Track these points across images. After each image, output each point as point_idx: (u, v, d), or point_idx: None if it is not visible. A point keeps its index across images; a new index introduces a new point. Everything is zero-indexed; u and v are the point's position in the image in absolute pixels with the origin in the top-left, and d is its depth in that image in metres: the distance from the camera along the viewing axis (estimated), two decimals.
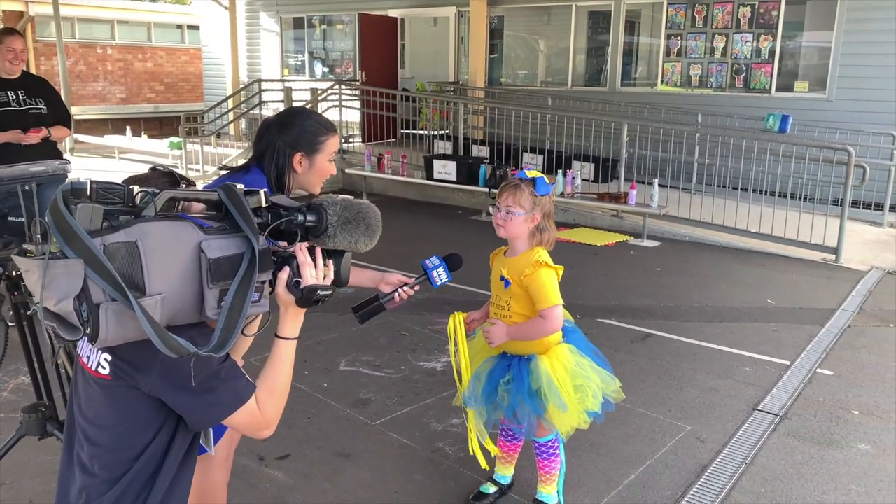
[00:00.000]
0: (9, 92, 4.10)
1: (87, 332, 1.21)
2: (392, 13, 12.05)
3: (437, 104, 10.49)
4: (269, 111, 11.63)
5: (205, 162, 10.35)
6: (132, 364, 1.36)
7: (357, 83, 11.14)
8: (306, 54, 13.51)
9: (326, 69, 13.33)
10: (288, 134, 2.03)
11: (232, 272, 1.34)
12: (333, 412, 3.39)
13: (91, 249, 1.18)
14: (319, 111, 9.90)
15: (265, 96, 11.20)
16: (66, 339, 1.24)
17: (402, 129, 10.90)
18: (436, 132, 10.26)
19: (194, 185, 1.49)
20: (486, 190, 7.82)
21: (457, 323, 2.43)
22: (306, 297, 1.47)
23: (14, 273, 1.58)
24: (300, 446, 3.08)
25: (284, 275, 1.46)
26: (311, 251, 1.50)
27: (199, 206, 1.42)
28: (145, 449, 1.39)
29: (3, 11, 14.86)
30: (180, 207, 1.38)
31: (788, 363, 4.03)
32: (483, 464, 2.52)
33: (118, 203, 1.26)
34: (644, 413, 3.43)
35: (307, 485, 2.81)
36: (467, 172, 7.94)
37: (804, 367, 3.98)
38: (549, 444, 2.50)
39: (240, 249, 1.36)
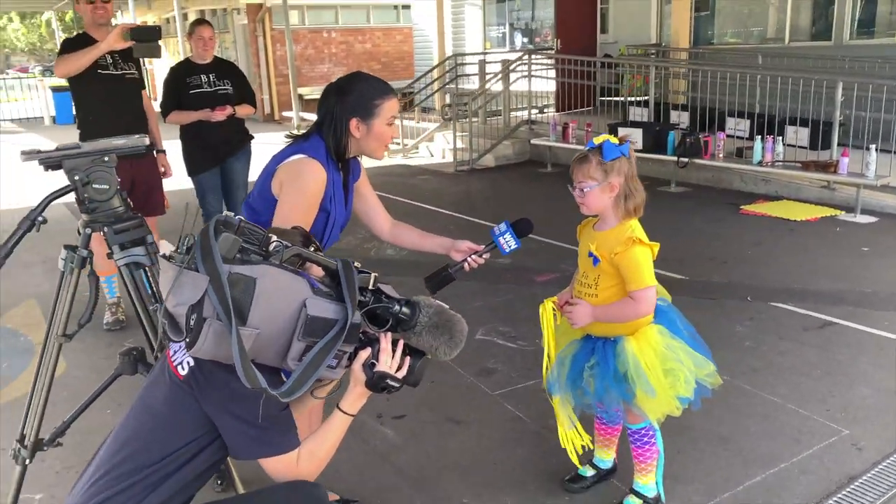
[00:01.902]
0: (201, 75, 4.63)
1: (187, 338, 1.39)
2: None
3: (634, 69, 9.96)
4: (468, 84, 11.90)
5: (404, 136, 10.87)
6: (207, 378, 1.52)
7: (551, 52, 10.94)
8: (507, 26, 13.55)
9: (526, 39, 13.27)
10: (345, 100, 2.06)
11: (322, 333, 1.48)
12: (457, 378, 3.44)
13: (219, 272, 1.37)
14: (509, 82, 9.92)
15: (461, 70, 11.44)
16: (170, 338, 1.43)
17: (599, 96, 10.52)
18: (635, 98, 9.76)
19: (321, 251, 1.66)
20: (676, 158, 7.34)
21: (546, 309, 2.33)
22: (375, 381, 1.59)
23: (103, 231, 1.81)
24: (417, 408, 3.18)
25: (365, 354, 1.59)
26: (395, 344, 1.62)
27: (319, 271, 1.59)
28: (172, 453, 1.53)
29: (247, 5, 16.76)
30: (304, 266, 1.57)
31: None
32: (574, 459, 2.42)
33: (254, 244, 1.47)
34: (794, 410, 3.03)
35: (414, 446, 2.89)
36: (654, 140, 7.48)
37: None
38: (643, 431, 2.32)
39: (336, 316, 1.50)
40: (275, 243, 1.50)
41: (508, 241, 2.12)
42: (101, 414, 3.01)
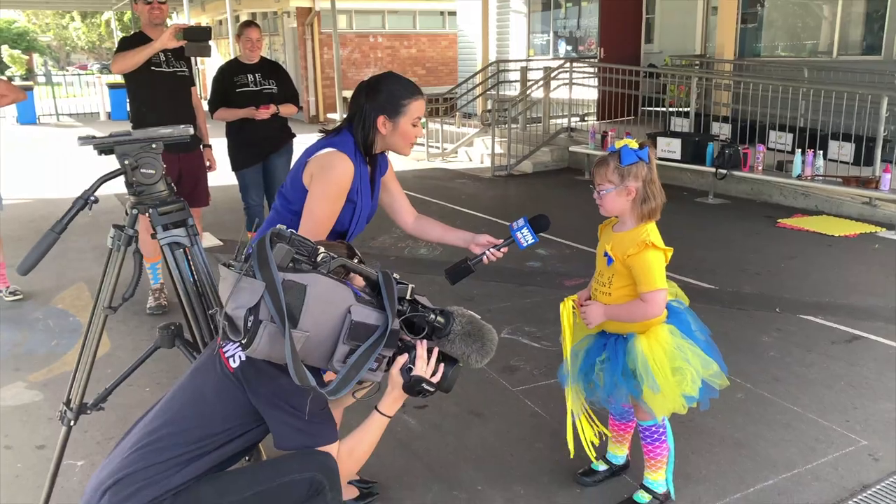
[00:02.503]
0: (248, 74, 4.82)
1: (244, 339, 1.54)
2: None
3: (678, 79, 9.91)
4: (510, 91, 12.00)
5: (444, 140, 11.01)
6: (257, 373, 1.65)
7: (594, 60, 10.96)
8: (551, 34, 13.59)
9: (570, 48, 13.30)
10: (374, 98, 2.17)
11: (365, 337, 1.62)
12: (480, 373, 3.52)
13: (274, 279, 1.52)
14: (550, 89, 9.97)
15: (503, 76, 11.54)
16: (230, 338, 1.58)
17: (643, 106, 10.50)
18: (677, 109, 9.72)
19: (364, 263, 1.80)
20: (714, 170, 7.30)
21: (566, 307, 2.41)
22: (411, 385, 1.73)
23: (149, 212, 1.96)
24: (440, 400, 3.24)
25: (403, 359, 1.73)
26: (430, 351, 1.75)
27: (361, 281, 1.73)
28: (211, 436, 1.66)
29: (297, 8, 17.14)
30: (348, 276, 1.71)
31: None
32: (580, 446, 2.49)
33: (304, 255, 1.62)
34: (815, 420, 3.04)
35: (434, 435, 2.99)
36: (693, 151, 7.46)
37: None
38: (654, 428, 2.38)
39: (377, 322, 1.64)
40: (322, 254, 1.64)
41: (525, 236, 2.21)
42: (140, 391, 3.20)
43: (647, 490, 2.46)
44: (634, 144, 2.23)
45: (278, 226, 1.63)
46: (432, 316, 1.74)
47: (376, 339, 1.62)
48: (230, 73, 4.86)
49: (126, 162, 1.86)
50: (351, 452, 1.76)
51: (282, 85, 4.94)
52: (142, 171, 1.89)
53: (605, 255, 2.29)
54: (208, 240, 5.85)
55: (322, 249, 1.66)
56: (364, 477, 2.59)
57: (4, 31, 35.60)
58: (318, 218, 2.17)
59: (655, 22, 12.27)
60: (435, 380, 1.74)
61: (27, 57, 32.45)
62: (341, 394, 1.58)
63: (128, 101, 4.23)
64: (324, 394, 1.57)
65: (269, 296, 1.50)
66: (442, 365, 1.76)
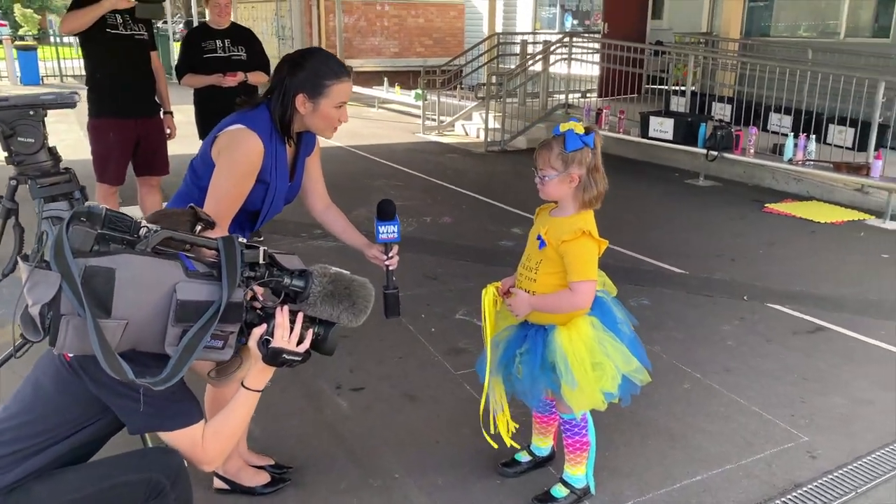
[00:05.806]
0: (217, 40, 4.70)
1: (47, 337, 1.36)
2: None
3: (680, 58, 9.65)
4: (507, 65, 11.76)
5: (441, 113, 10.84)
6: (95, 362, 1.44)
7: (596, 35, 10.70)
8: (558, 7, 13.31)
9: (576, 22, 13.02)
10: (297, 74, 2.04)
11: (196, 316, 1.43)
12: (425, 356, 3.45)
13: (69, 267, 1.33)
14: (549, 64, 9.74)
15: (504, 49, 11.31)
16: (29, 339, 1.41)
17: (646, 84, 10.24)
18: (678, 88, 9.47)
19: (212, 228, 1.62)
20: (705, 151, 7.12)
21: (488, 294, 2.32)
22: (270, 357, 1.56)
23: (28, 183, 1.88)
24: (378, 382, 3.20)
25: (259, 330, 1.55)
26: (297, 315, 1.57)
27: (210, 252, 1.51)
28: (49, 430, 1.54)
29: None
30: (187, 248, 1.49)
31: None
32: (490, 440, 2.43)
33: (125, 232, 1.41)
34: (758, 413, 2.95)
35: (363, 418, 2.92)
36: (685, 131, 7.27)
37: None
38: (574, 422, 2.29)
39: (211, 297, 1.44)
40: (144, 229, 1.45)
41: (388, 232, 2.13)
42: None
43: (566, 484, 2.38)
44: (580, 129, 2.12)
45: (87, 204, 1.43)
46: (287, 280, 1.56)
47: (209, 316, 1.44)
48: (198, 38, 4.74)
49: None
50: (218, 432, 1.61)
51: (252, 52, 4.81)
52: (19, 139, 1.80)
53: (539, 238, 2.19)
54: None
55: (144, 223, 1.45)
56: (280, 462, 2.53)
57: None
58: (221, 197, 2.07)
59: None
60: (301, 349, 1.58)
61: (39, 17, 32.17)
62: (174, 381, 1.43)
63: (84, 63, 4.14)
64: (149, 385, 1.41)
65: (67, 286, 1.33)
66: (310, 331, 1.60)
